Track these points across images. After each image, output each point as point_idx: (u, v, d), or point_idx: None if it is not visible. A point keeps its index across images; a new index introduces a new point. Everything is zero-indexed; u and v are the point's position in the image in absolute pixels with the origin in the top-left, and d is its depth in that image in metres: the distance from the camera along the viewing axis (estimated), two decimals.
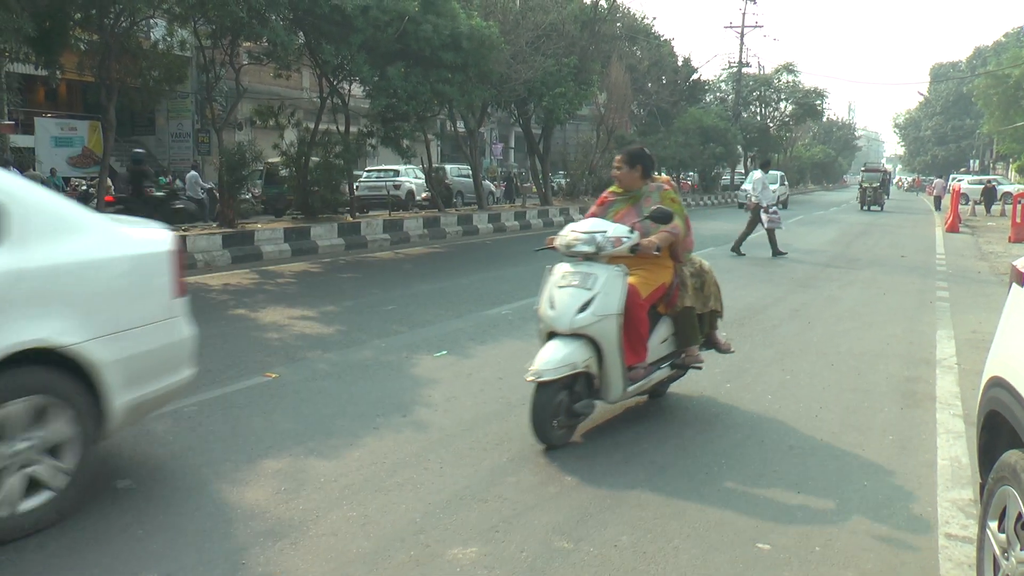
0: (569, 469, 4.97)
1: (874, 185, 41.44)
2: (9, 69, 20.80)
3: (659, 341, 5.84)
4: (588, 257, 5.46)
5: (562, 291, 5.40)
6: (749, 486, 4.83)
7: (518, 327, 9.19)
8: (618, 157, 6.08)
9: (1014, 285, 3.47)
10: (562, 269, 5.54)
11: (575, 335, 5.29)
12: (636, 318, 5.40)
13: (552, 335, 5.41)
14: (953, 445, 5.59)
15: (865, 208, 40.95)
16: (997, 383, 3.22)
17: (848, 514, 4.48)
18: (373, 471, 4.88)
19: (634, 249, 5.50)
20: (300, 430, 5.57)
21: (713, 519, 4.35)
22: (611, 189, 6.16)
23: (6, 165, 17.35)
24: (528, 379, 5.18)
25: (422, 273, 13.77)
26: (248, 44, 18.40)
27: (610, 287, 5.28)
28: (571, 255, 5.55)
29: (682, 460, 5.21)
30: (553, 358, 5.17)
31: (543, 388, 5.11)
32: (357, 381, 6.87)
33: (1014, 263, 3.56)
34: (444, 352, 7.92)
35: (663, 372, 5.94)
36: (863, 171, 46.21)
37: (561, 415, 5.23)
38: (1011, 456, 2.97)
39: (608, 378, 5.39)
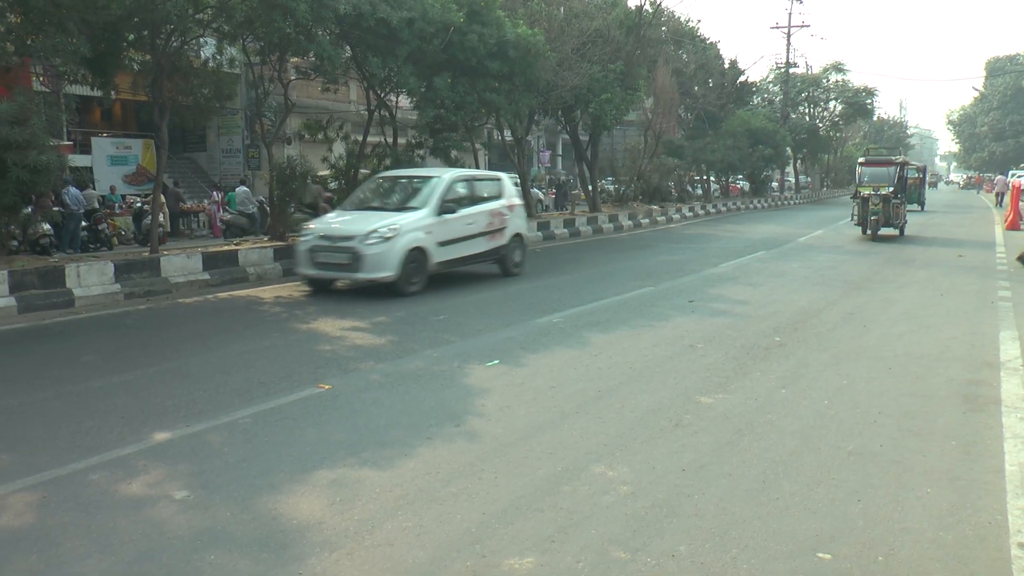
0: (624, 479, 4.93)
1: (885, 192, 22.05)
2: (67, 90, 21.33)
3: None
4: None
5: None
6: (807, 494, 4.74)
7: (570, 335, 9.15)
8: None
9: None
10: None
11: None
12: None
13: None
14: (1022, 450, 5.43)
15: (869, 235, 22.21)
16: None
17: (911, 523, 4.38)
18: (427, 481, 4.89)
19: None
20: (353, 440, 5.61)
21: (772, 528, 4.27)
22: None
23: (66, 184, 17.77)
24: None
25: (471, 282, 13.79)
26: (296, 59, 18.63)
27: None
28: None
29: (738, 468, 5.13)
30: None
31: None
32: (409, 391, 6.89)
33: None
34: (496, 361, 7.91)
35: None
36: (861, 164, 24.13)
37: None
38: None
39: None
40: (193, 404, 6.50)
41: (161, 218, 18.64)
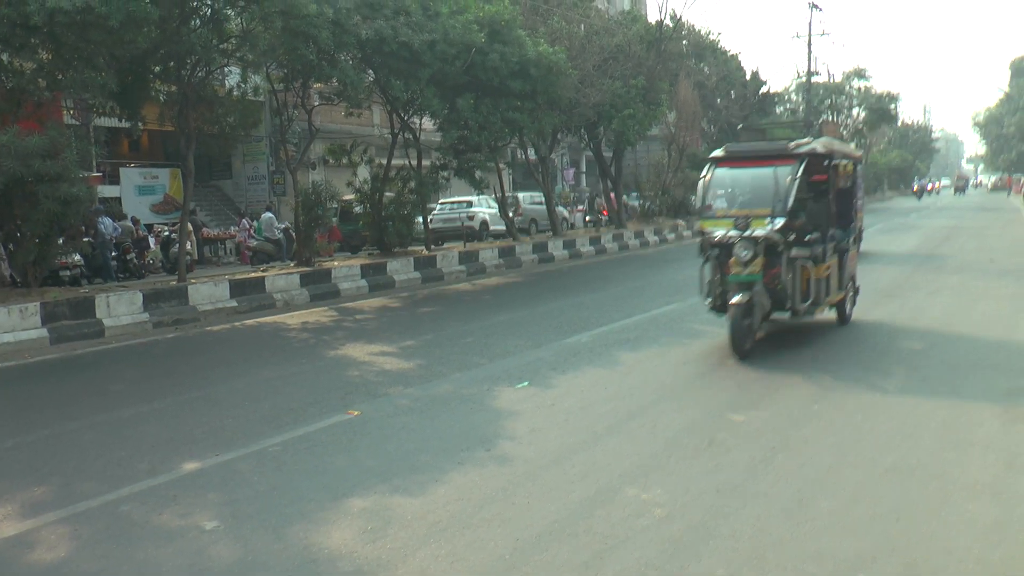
0: (658, 500, 4.86)
1: (765, 231, 8.77)
2: (96, 123, 21.66)
3: None
4: None
5: None
6: (846, 512, 4.64)
7: (600, 354, 9.09)
8: None
9: None
10: None
11: None
12: None
13: None
14: None
15: (735, 346, 9.00)
16: None
17: (955, 541, 4.26)
18: (460, 507, 4.84)
19: None
20: (384, 467, 5.58)
21: (810, 550, 4.18)
22: None
23: (97, 214, 17.98)
24: None
25: (499, 303, 13.78)
26: (319, 85, 18.80)
27: None
28: None
29: (774, 487, 5.05)
30: None
31: None
32: (439, 416, 6.86)
33: None
34: (526, 383, 7.87)
35: None
36: (715, 162, 9.95)
37: None
38: None
39: None
40: (222, 432, 6.51)
41: (189, 246, 18.81)
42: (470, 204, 28.28)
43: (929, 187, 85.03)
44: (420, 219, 20.75)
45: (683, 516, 4.62)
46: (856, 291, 10.83)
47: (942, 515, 4.58)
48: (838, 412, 6.63)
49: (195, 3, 13.85)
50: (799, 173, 8.90)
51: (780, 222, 8.62)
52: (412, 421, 6.73)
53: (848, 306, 10.55)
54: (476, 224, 27.48)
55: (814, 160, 9.47)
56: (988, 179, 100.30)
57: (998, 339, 9.34)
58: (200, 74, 14.85)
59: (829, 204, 9.66)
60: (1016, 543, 4.23)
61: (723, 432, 6.14)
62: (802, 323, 10.48)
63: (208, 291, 13.59)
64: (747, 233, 8.59)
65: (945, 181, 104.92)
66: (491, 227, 27.81)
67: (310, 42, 14.81)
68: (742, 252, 8.52)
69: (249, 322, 12.77)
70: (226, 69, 16.24)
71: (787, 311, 9.09)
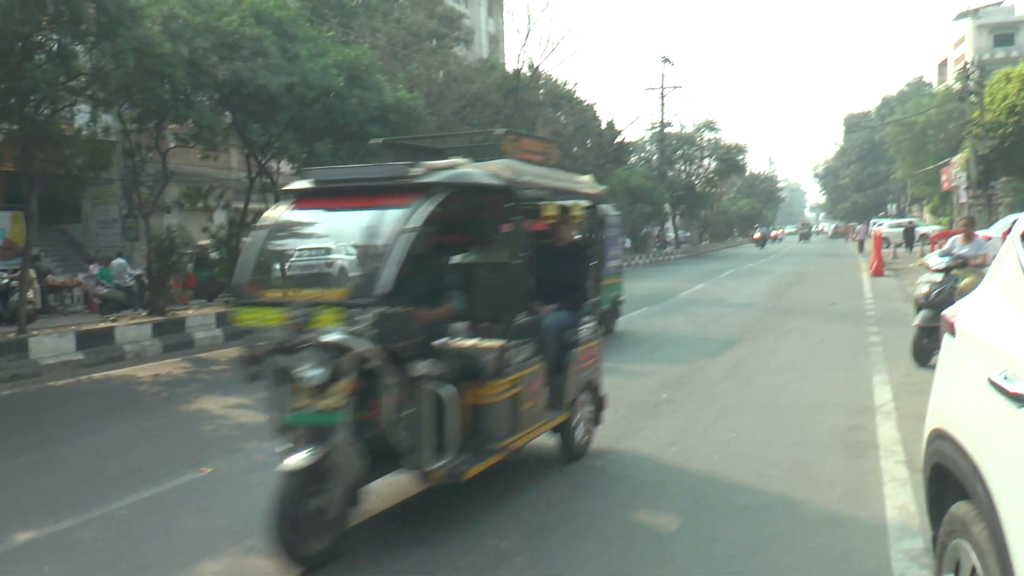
0: (517, 549, 4.84)
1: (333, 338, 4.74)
2: None
3: None
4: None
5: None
6: (704, 553, 4.75)
7: None
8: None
9: (947, 335, 3.51)
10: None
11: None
12: None
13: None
14: (900, 493, 5.61)
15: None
16: (939, 435, 3.23)
17: (805, 573, 4.44)
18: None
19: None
20: (238, 527, 5.35)
21: None
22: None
23: None
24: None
25: None
26: (174, 126, 18.24)
27: None
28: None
29: (632, 531, 5.13)
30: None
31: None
32: None
33: (943, 313, 3.61)
34: None
35: None
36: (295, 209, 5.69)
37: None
38: (960, 508, 2.96)
39: None
40: (63, 497, 6.10)
41: (31, 295, 17.74)
42: (328, 251, 27.84)
43: (773, 234, 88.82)
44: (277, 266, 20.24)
45: (545, 564, 4.62)
46: (600, 405, 7.08)
47: (794, 550, 4.76)
48: (695, 453, 6.81)
49: (40, 38, 13.19)
50: (416, 219, 4.96)
51: (370, 315, 4.63)
52: (268, 477, 6.46)
53: (580, 431, 6.69)
54: (335, 271, 27.08)
55: (474, 198, 5.95)
56: (829, 227, 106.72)
57: (841, 379, 9.88)
58: (46, 112, 14.13)
59: (514, 274, 5.83)
60: (859, 572, 4.43)
61: (582, 476, 6.19)
62: (658, 368, 10.76)
63: (51, 343, 12.81)
64: (315, 336, 4.71)
65: (790, 228, 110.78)
66: (351, 274, 27.46)
67: (165, 81, 14.36)
68: (307, 371, 4.61)
69: (97, 376, 12.09)
70: (75, 107, 15.56)
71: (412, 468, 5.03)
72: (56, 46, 13.41)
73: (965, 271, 10.00)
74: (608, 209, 9.41)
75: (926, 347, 9.95)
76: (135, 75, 13.84)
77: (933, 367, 8.40)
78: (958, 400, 3.20)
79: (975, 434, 2.89)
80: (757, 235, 68.67)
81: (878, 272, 27.42)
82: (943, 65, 73.18)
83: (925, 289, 10.25)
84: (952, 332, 3.45)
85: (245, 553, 4.91)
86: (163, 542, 5.13)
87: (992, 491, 2.63)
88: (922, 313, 10.05)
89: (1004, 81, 36.27)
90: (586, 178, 7.61)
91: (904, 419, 7.61)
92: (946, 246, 11.34)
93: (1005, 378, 2.68)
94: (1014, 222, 3.34)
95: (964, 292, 9.18)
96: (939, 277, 10.15)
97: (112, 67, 13.67)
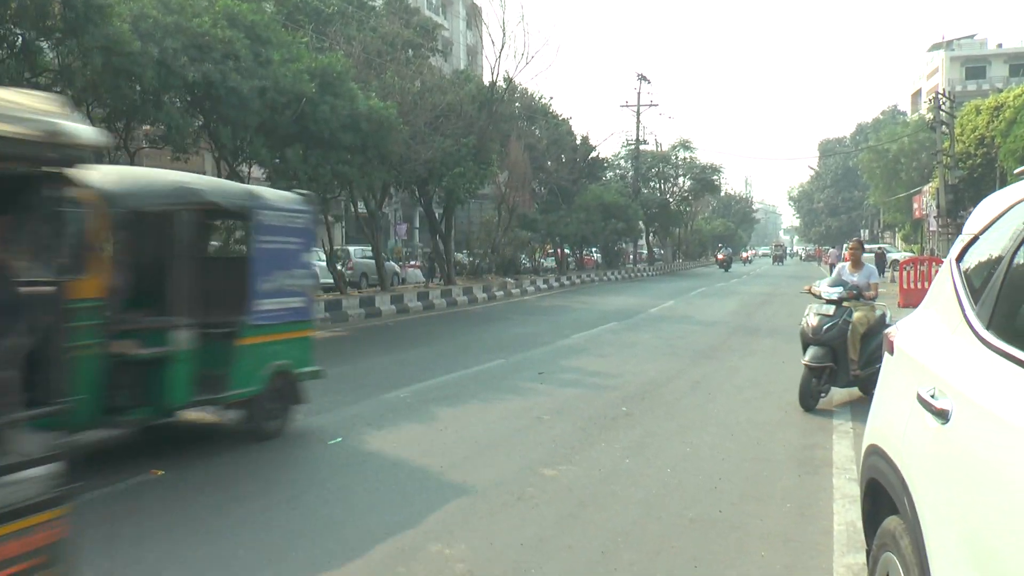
0: (461, 556, 4.76)
1: None
2: None
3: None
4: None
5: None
6: (648, 563, 4.70)
7: (417, 410, 8.97)
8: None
9: (886, 354, 3.52)
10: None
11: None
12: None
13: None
14: (849, 510, 5.59)
15: None
16: (874, 451, 3.23)
17: None
18: (259, 566, 4.59)
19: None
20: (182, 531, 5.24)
21: None
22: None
23: None
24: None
25: (320, 358, 13.40)
26: (145, 128, 18.03)
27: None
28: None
29: (580, 540, 5.06)
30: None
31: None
32: (243, 479, 6.53)
33: (885, 332, 3.62)
34: (339, 439, 7.64)
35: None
36: None
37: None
38: (890, 523, 2.95)
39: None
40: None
41: None
42: None
43: (744, 255, 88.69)
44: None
45: (485, 571, 4.55)
46: None
47: (737, 563, 4.72)
48: (649, 467, 6.77)
49: (3, 31, 12.99)
50: None
51: None
52: (219, 478, 6.38)
53: None
54: None
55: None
56: (802, 249, 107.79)
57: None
58: None
59: None
60: None
61: (533, 487, 6.13)
62: (620, 382, 10.74)
63: None
64: None
65: (764, 249, 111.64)
66: (319, 280, 27.29)
67: (134, 81, 14.19)
68: None
69: None
70: None
71: None
72: (20, 40, 13.20)
73: (856, 304, 9.26)
74: (267, 195, 6.74)
75: (814, 389, 9.06)
76: (103, 74, 13.64)
77: (819, 412, 8.62)
78: (891, 416, 3.19)
79: (904, 449, 2.88)
80: (721, 255, 63.50)
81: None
82: (917, 95, 74.38)
83: (814, 322, 9.25)
84: (891, 351, 3.46)
85: (185, 558, 4.79)
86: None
87: (917, 505, 2.62)
88: (811, 351, 9.10)
89: (974, 113, 36.82)
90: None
91: (860, 438, 7.58)
92: (835, 273, 10.25)
93: (932, 396, 2.68)
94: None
95: (857, 327, 8.95)
96: (831, 309, 9.23)
97: (79, 65, 13.50)
